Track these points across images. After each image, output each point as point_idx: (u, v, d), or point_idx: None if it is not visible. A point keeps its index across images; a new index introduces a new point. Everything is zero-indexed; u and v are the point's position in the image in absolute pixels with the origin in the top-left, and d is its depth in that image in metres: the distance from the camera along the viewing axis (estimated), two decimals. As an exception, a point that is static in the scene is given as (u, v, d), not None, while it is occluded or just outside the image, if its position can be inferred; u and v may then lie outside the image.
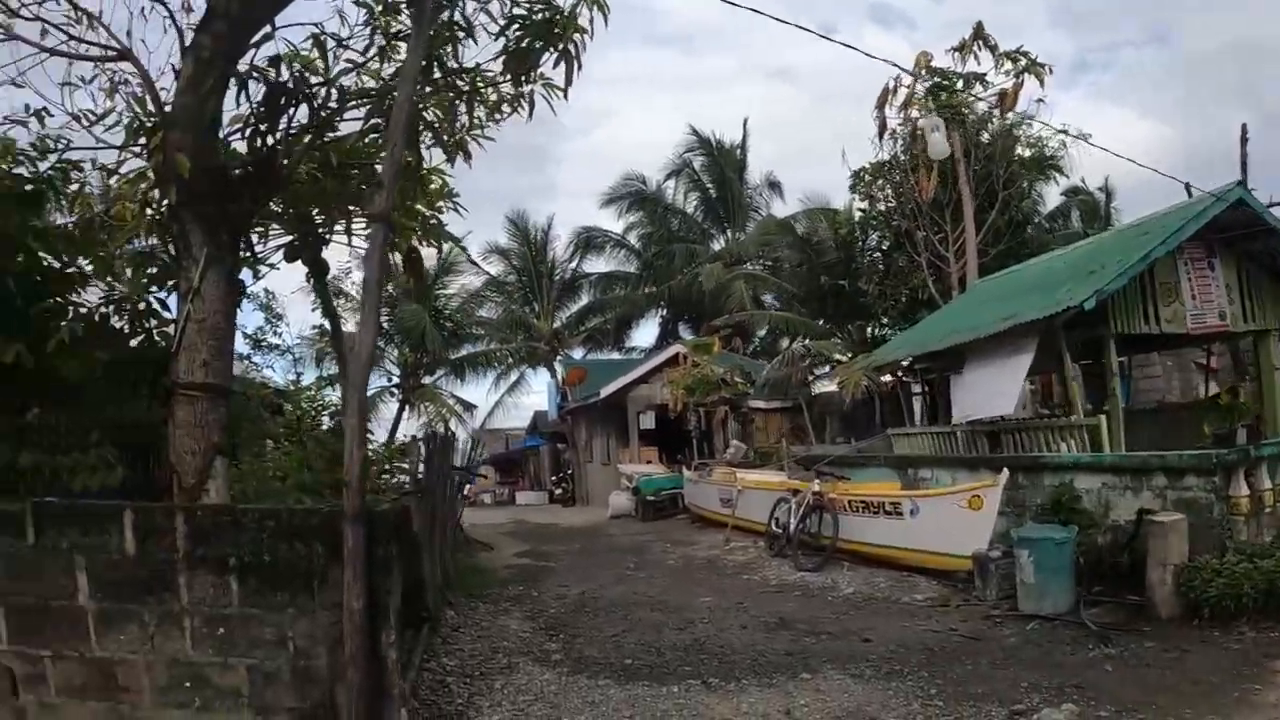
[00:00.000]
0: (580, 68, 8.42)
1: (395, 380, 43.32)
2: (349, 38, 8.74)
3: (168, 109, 7.87)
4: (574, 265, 52.24)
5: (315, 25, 8.41)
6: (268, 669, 6.73)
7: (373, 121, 8.97)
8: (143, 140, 8.25)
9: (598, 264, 52.77)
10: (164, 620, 6.80)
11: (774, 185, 51.78)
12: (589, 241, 51.79)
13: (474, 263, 48.37)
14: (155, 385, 8.11)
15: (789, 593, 14.63)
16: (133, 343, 8.46)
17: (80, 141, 8.53)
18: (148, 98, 8.19)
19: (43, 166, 8.19)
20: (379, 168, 9.61)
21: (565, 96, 8.68)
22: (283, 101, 8.28)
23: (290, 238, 10.53)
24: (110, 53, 8.34)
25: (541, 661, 10.59)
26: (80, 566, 6.93)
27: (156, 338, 8.44)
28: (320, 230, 10.61)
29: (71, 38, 8.27)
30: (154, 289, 8.53)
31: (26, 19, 8.13)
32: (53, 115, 8.27)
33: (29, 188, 7.89)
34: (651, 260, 50.11)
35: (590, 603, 14.35)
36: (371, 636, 6.55)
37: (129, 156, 8.63)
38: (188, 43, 7.62)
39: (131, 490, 7.74)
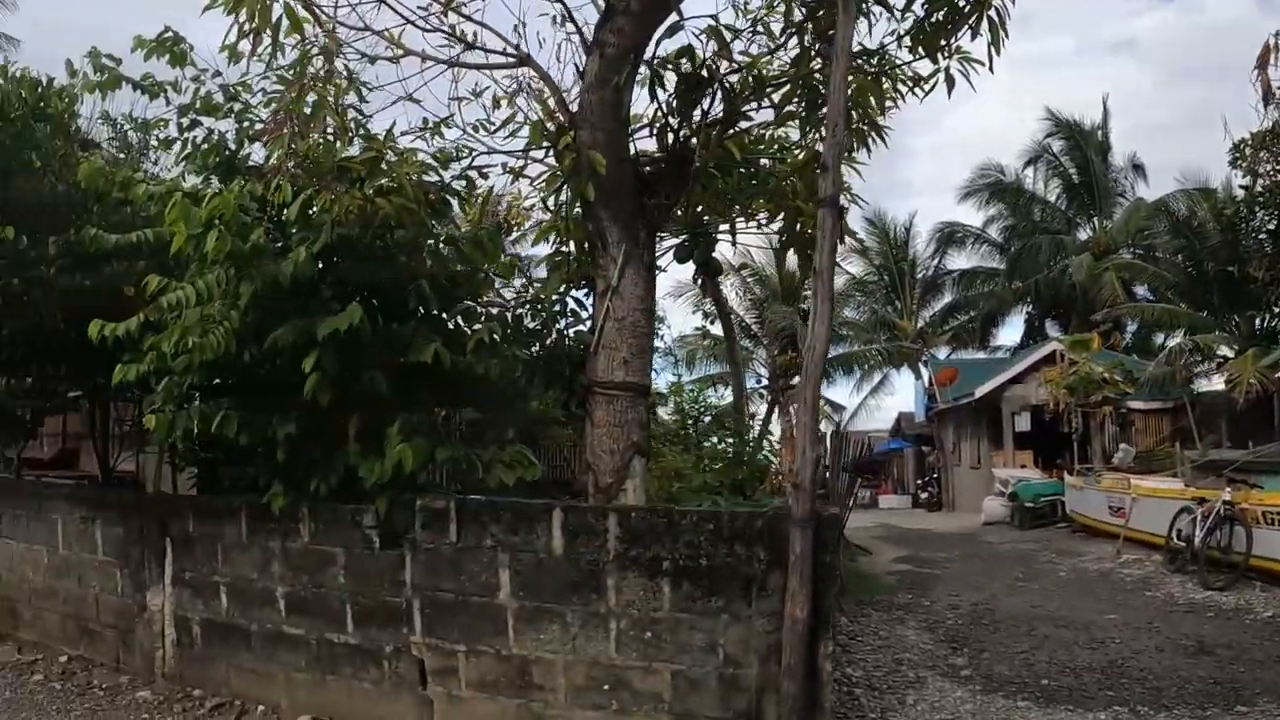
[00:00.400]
0: (1007, 36, 7.81)
1: (764, 382, 43.35)
2: (746, 29, 8.51)
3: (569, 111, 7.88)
4: (935, 262, 51.04)
5: (712, 18, 8.20)
6: (693, 675, 6.56)
7: (788, 109, 8.63)
8: (545, 143, 8.24)
9: (959, 260, 51.22)
10: (588, 621, 6.77)
11: (1137, 167, 48.66)
12: (949, 237, 50.27)
13: (836, 263, 47.88)
14: (572, 383, 8.15)
15: (1200, 613, 13.39)
16: (546, 342, 8.52)
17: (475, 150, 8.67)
18: (551, 100, 8.20)
19: (446, 176, 8.37)
20: (765, 161, 9.39)
21: (991, 69, 8.02)
22: (695, 94, 8.11)
23: (680, 239, 10.42)
24: (509, 59, 8.38)
25: (950, 677, 10.01)
26: (503, 564, 7.04)
27: (571, 337, 8.45)
28: (708, 230, 10.45)
29: (470, 46, 8.37)
30: (569, 288, 8.56)
31: (424, 29, 8.31)
32: (450, 127, 8.41)
33: (435, 196, 8.04)
34: (1018, 254, 47.91)
35: (986, 614, 13.60)
36: (810, 647, 6.23)
37: (528, 161, 8.69)
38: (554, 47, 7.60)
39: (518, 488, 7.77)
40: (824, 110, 8.10)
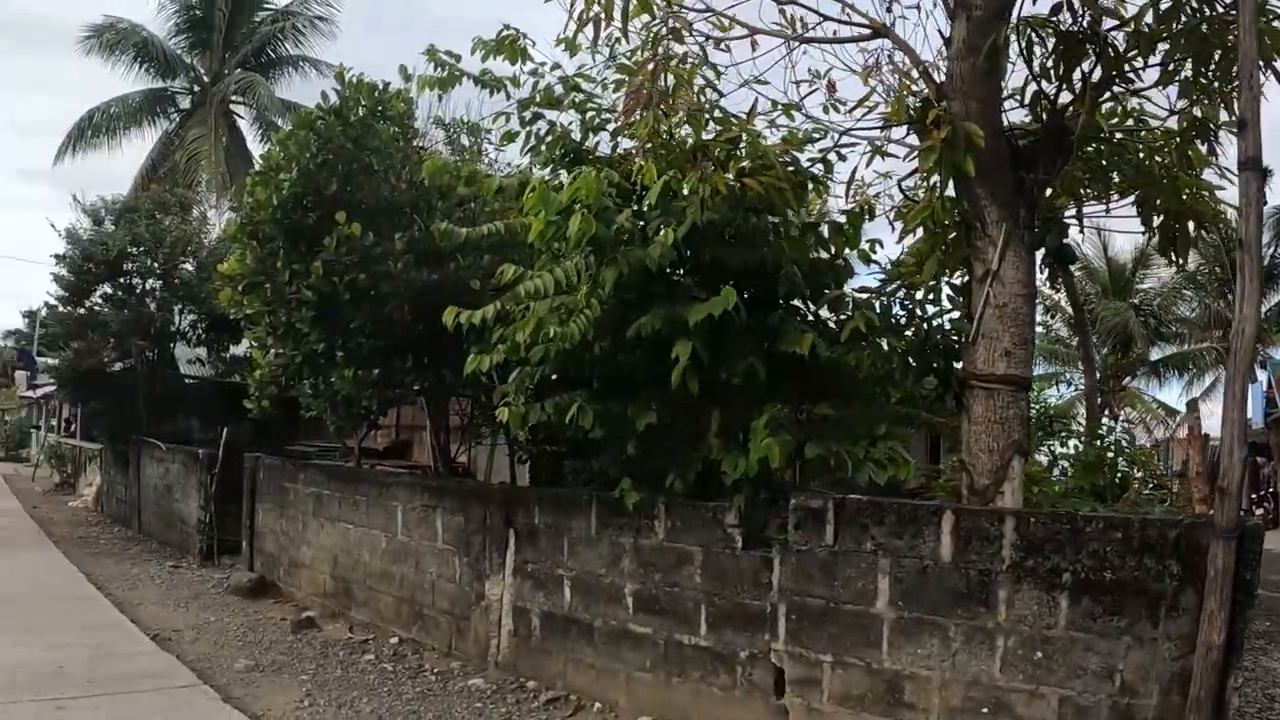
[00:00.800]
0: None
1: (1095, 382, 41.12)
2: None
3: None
4: (1273, 250, 47.31)
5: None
6: (1083, 702, 5.88)
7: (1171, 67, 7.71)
8: (909, 119, 7.75)
9: (1292, 246, 47.45)
10: (972, 637, 6.21)
11: None
12: (1281, 220, 46.56)
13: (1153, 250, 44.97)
14: (946, 376, 7.68)
15: None
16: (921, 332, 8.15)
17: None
18: (914, 72, 7.70)
19: (802, 158, 7.99)
20: (1118, 135, 8.52)
21: None
22: (1074, 55, 7.37)
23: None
24: (862, 32, 7.91)
25: (1337, 721, 8.97)
26: (883, 570, 6.57)
27: (945, 325, 7.99)
28: (1059, 213, 9.67)
29: (827, 18, 7.95)
30: (944, 274, 8.09)
31: (782, 3, 7.88)
32: (800, 109, 8.03)
33: (799, 177, 7.74)
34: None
35: (1360, 650, 12.23)
36: (1221, 675, 5.50)
37: (887, 140, 8.20)
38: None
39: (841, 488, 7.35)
40: (1215, 68, 7.25)
